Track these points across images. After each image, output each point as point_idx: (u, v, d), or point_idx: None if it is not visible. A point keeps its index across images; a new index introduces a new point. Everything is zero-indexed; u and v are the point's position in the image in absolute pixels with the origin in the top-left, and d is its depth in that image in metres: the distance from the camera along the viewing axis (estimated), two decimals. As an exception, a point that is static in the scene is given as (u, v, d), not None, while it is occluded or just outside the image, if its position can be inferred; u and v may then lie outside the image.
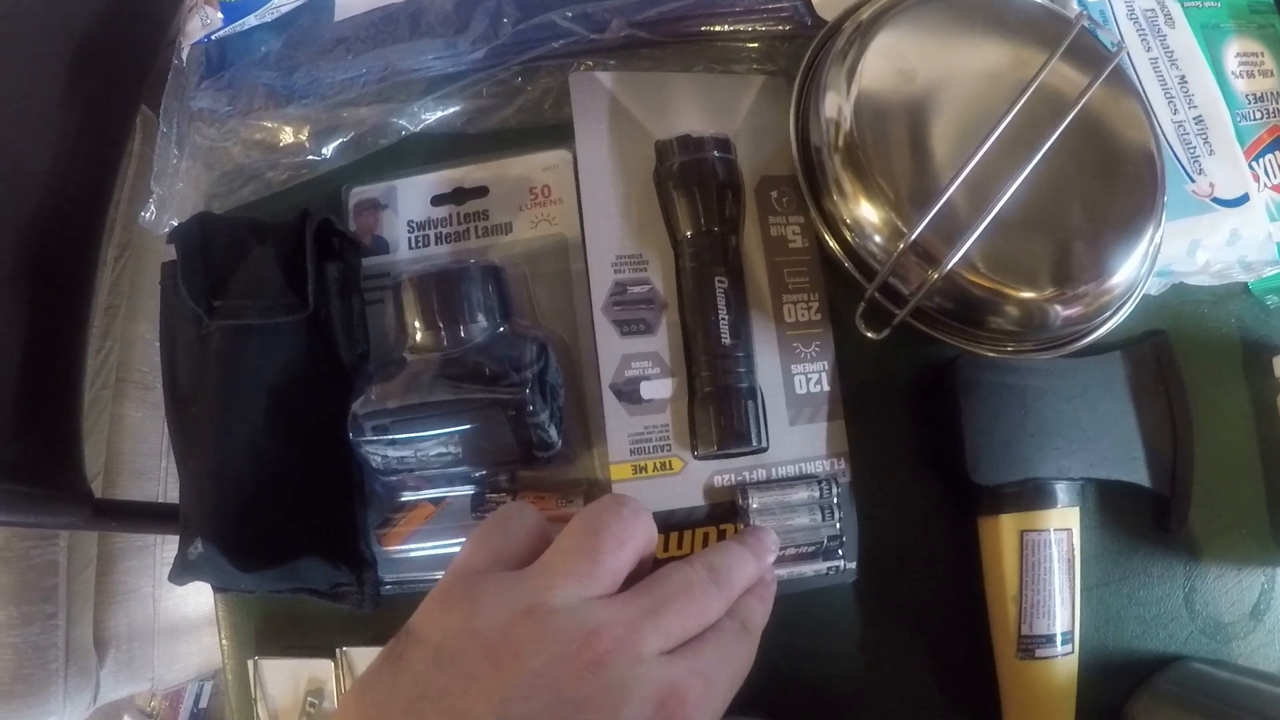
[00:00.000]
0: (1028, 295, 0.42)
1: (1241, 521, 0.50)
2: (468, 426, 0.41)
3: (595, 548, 0.32)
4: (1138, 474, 0.47)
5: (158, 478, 0.82)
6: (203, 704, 1.22)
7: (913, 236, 0.40)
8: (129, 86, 0.66)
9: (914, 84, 0.44)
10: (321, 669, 0.49)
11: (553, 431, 0.42)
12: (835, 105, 0.44)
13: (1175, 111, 0.51)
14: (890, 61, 0.44)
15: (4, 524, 0.56)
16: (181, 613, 0.81)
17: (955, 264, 0.40)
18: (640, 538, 0.33)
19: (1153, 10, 0.53)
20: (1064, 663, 0.45)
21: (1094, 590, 0.48)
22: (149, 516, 0.60)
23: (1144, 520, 0.49)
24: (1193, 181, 0.50)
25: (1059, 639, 0.45)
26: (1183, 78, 0.52)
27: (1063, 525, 0.45)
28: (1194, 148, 0.51)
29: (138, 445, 0.81)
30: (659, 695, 0.30)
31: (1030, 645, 0.45)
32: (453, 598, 0.32)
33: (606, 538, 0.32)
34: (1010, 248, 0.42)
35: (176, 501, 0.46)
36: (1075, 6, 0.51)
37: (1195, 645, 0.49)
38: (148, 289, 0.81)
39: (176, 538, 0.46)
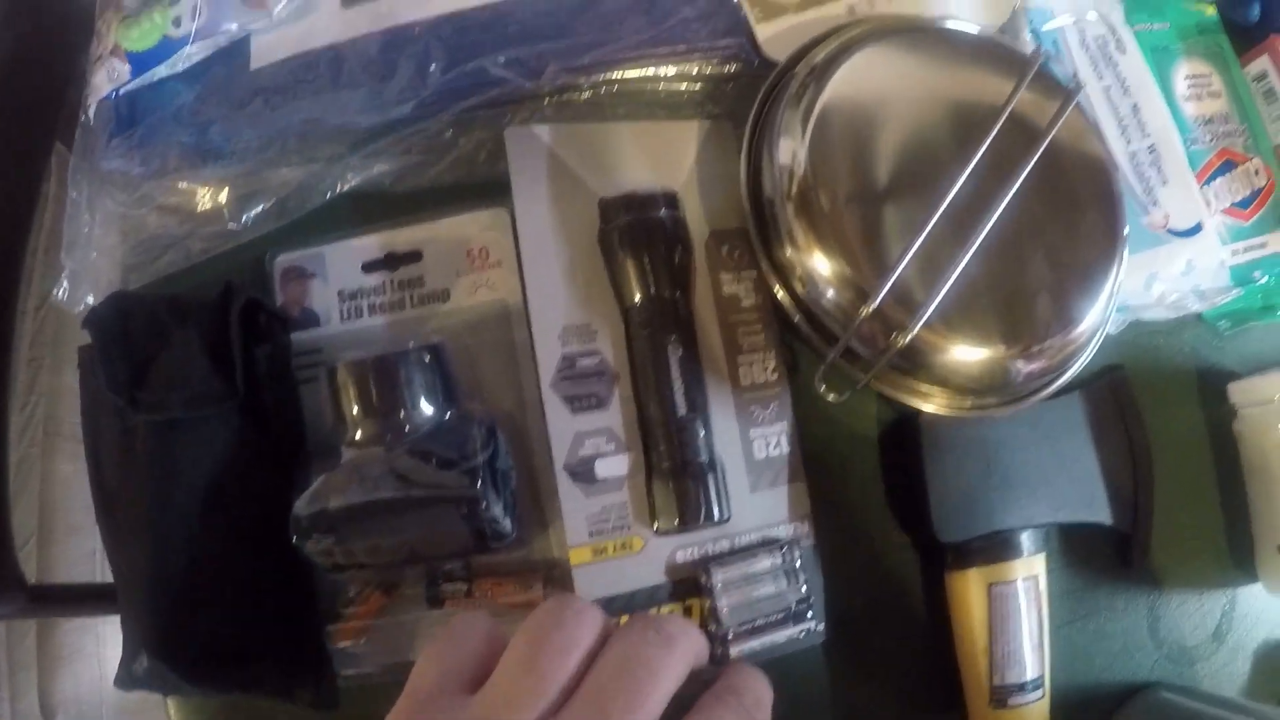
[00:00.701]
0: (991, 354, 0.40)
1: (1201, 547, 0.49)
2: (417, 526, 0.38)
3: (538, 664, 0.29)
4: (1100, 513, 0.46)
5: (93, 532, 0.77)
6: None
7: (875, 304, 0.38)
8: (38, 130, 0.61)
9: (871, 129, 0.41)
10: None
11: (507, 522, 0.39)
12: (789, 151, 0.41)
13: (1129, 142, 0.49)
14: (846, 105, 0.41)
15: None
16: (130, 670, 0.76)
17: (919, 327, 0.38)
18: (587, 639, 0.30)
19: (1104, 37, 0.51)
20: (1036, 708, 0.44)
21: (1061, 629, 0.47)
22: (88, 599, 0.56)
23: (1107, 556, 0.48)
24: (1147, 214, 0.49)
25: (1030, 685, 0.43)
26: (1135, 106, 0.50)
27: (1029, 574, 0.44)
28: (1148, 179, 0.49)
29: (71, 499, 0.76)
30: None
31: (1003, 695, 0.43)
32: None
33: (549, 650, 0.29)
34: (972, 306, 0.39)
35: (101, 538, 0.43)
36: (1029, 39, 0.49)
37: (1161, 671, 0.48)
38: (73, 336, 0.76)
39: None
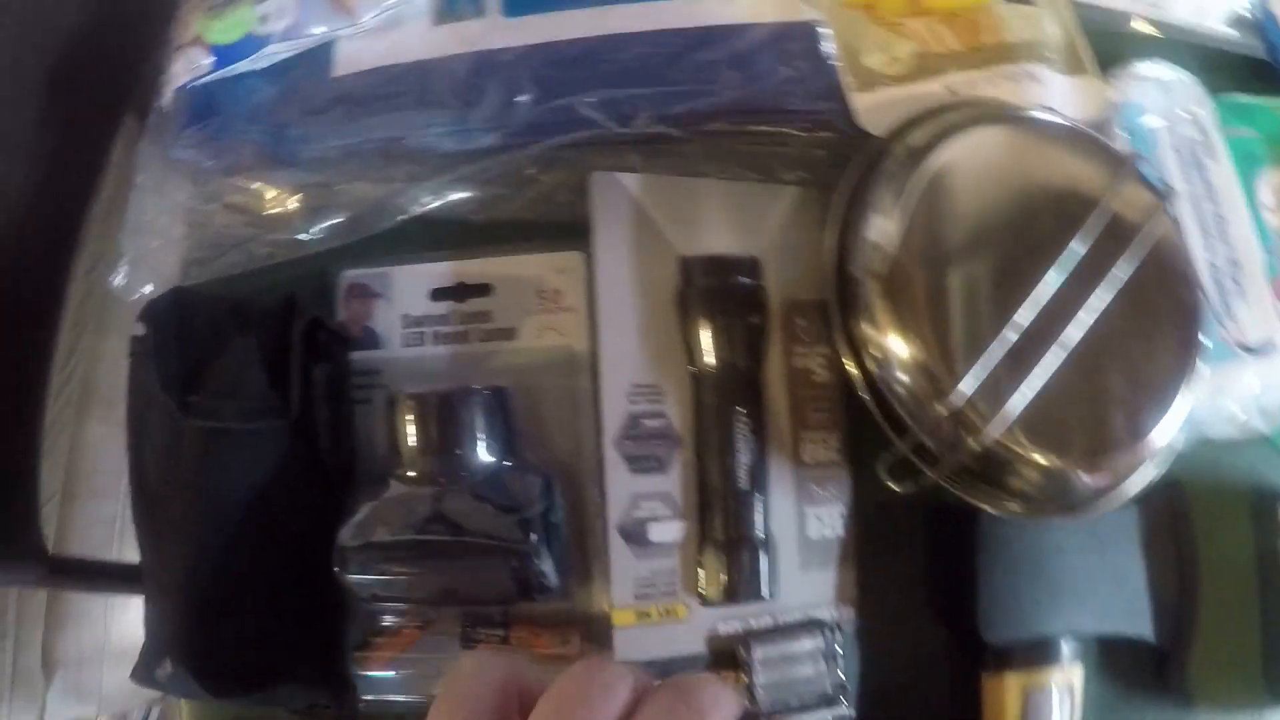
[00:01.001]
0: (1061, 464, 0.38)
1: (1239, 671, 0.47)
2: (463, 569, 0.37)
3: None
4: (1144, 628, 0.44)
5: (116, 497, 0.76)
6: None
7: (954, 402, 0.36)
8: (107, 111, 0.59)
9: (964, 215, 0.40)
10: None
11: (553, 578, 0.37)
12: (881, 228, 0.39)
13: (1211, 252, 0.48)
14: (942, 189, 0.40)
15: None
16: (133, 638, 0.75)
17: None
18: (612, 712, 0.28)
19: (1194, 140, 0.49)
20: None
21: (1089, 738, 0.45)
22: (105, 576, 0.55)
23: (1143, 671, 0.46)
24: (1222, 328, 0.47)
25: (1055, 794, 0.42)
26: (1219, 215, 0.48)
27: (1066, 682, 0.42)
28: (1226, 291, 0.47)
29: (98, 463, 0.75)
30: None
31: (1027, 801, 0.42)
32: None
33: None
34: (1046, 414, 0.38)
35: (136, 535, 0.41)
36: (1121, 135, 0.47)
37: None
38: (120, 304, 0.74)
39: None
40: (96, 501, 0.75)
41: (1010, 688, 0.42)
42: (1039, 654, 0.42)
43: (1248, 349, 0.47)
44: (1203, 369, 0.41)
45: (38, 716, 0.74)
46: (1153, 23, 0.52)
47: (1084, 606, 0.43)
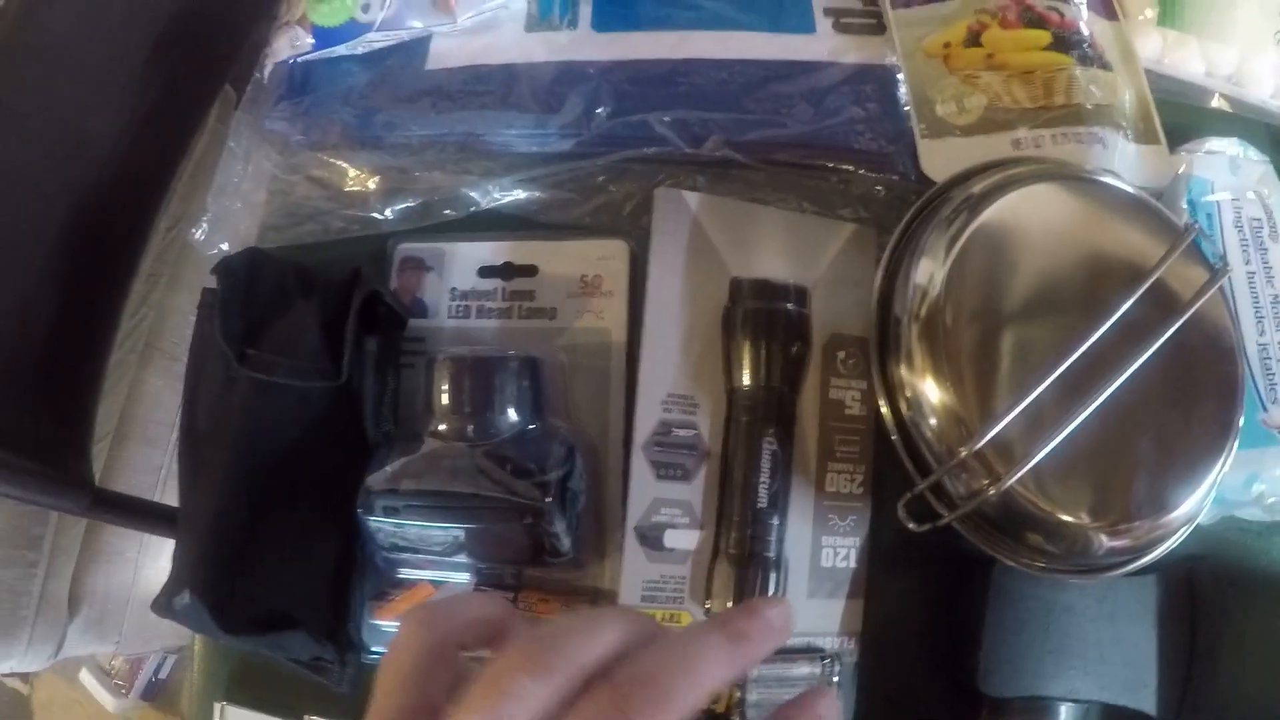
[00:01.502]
0: (1079, 522, 0.39)
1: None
2: (481, 524, 0.38)
3: (550, 649, 0.24)
4: (1146, 702, 0.44)
5: (165, 447, 0.79)
6: (162, 675, 1.20)
7: (976, 446, 0.37)
8: (210, 72, 0.63)
9: (1013, 269, 0.40)
10: (286, 729, 0.46)
11: (566, 541, 0.39)
12: (928, 273, 0.40)
13: (1262, 334, 0.48)
14: (993, 241, 0.40)
15: (-1, 495, 0.54)
16: (160, 584, 0.78)
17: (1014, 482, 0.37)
18: (595, 651, 0.25)
19: (1259, 220, 0.49)
20: None
21: (1078, 809, 0.45)
22: (146, 515, 0.57)
23: (1143, 745, 0.46)
24: (1265, 411, 0.47)
25: None
26: (1276, 297, 0.49)
27: (1062, 746, 0.43)
28: (1274, 375, 0.47)
29: (152, 413, 0.78)
30: None
31: None
32: None
33: (568, 637, 0.24)
34: (1071, 471, 0.38)
35: (178, 471, 0.44)
36: (1184, 211, 0.48)
37: None
38: (194, 261, 0.78)
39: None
40: (146, 449, 0.78)
41: (1005, 743, 0.42)
42: (1037, 714, 0.42)
43: (1290, 438, 0.47)
44: (1236, 447, 0.42)
45: (57, 646, 0.77)
46: (1232, 100, 0.53)
47: (1088, 673, 0.43)
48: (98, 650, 0.83)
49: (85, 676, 1.17)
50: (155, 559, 0.80)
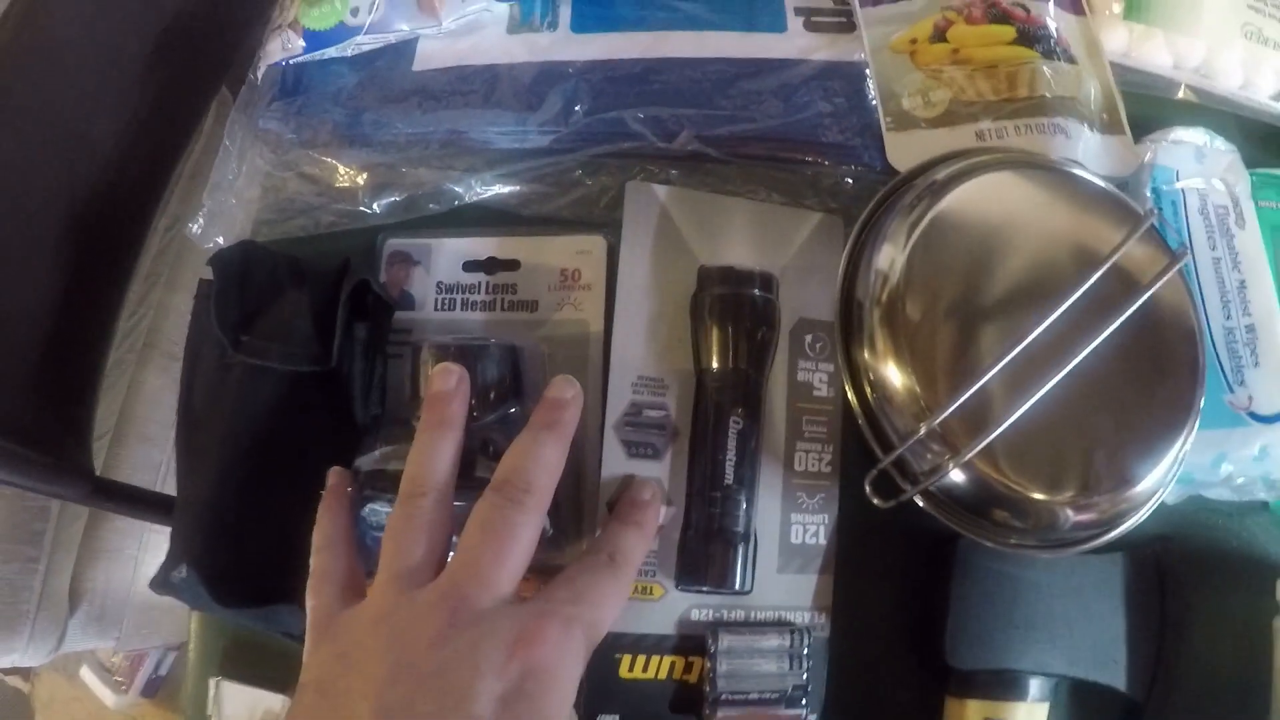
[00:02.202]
0: (1042, 497, 0.41)
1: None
2: (464, 503, 0.42)
3: (393, 549, 0.38)
4: (1115, 678, 0.47)
5: (164, 446, 0.83)
6: (162, 671, 1.24)
7: (934, 423, 0.40)
8: (207, 75, 0.67)
9: (972, 253, 0.43)
10: (279, 704, 0.49)
11: (547, 521, 0.42)
12: (889, 258, 0.43)
13: (1228, 317, 0.51)
14: (954, 226, 0.43)
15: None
16: (161, 581, 0.82)
17: (973, 455, 0.40)
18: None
19: (1225, 208, 0.52)
20: None
21: (1050, 783, 0.48)
22: (145, 504, 0.61)
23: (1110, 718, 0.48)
24: (1231, 392, 0.50)
25: (1008, 831, 0.45)
26: (1243, 282, 0.51)
27: (1029, 718, 0.45)
28: (1239, 357, 0.50)
29: (151, 412, 0.82)
30: (508, 643, 0.33)
31: (979, 830, 0.45)
32: (316, 639, 0.38)
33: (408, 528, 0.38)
34: (1032, 447, 0.41)
35: (175, 453, 0.48)
36: (1148, 198, 0.50)
37: None
38: (191, 262, 0.83)
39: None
40: (145, 447, 0.82)
41: (971, 714, 0.45)
42: (1005, 686, 0.45)
43: (1257, 416, 0.50)
44: (1194, 425, 0.44)
45: (58, 641, 0.80)
46: (1199, 92, 0.56)
47: (1056, 647, 0.46)
48: (98, 645, 0.86)
49: (86, 674, 1.21)
50: (155, 556, 0.83)
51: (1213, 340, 0.50)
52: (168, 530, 0.48)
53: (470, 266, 0.49)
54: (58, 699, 1.25)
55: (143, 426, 0.82)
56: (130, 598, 0.84)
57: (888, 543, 0.47)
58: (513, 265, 0.49)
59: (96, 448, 0.70)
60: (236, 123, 0.54)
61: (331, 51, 0.54)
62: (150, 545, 0.84)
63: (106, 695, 1.21)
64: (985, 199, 0.44)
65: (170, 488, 0.79)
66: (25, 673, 1.25)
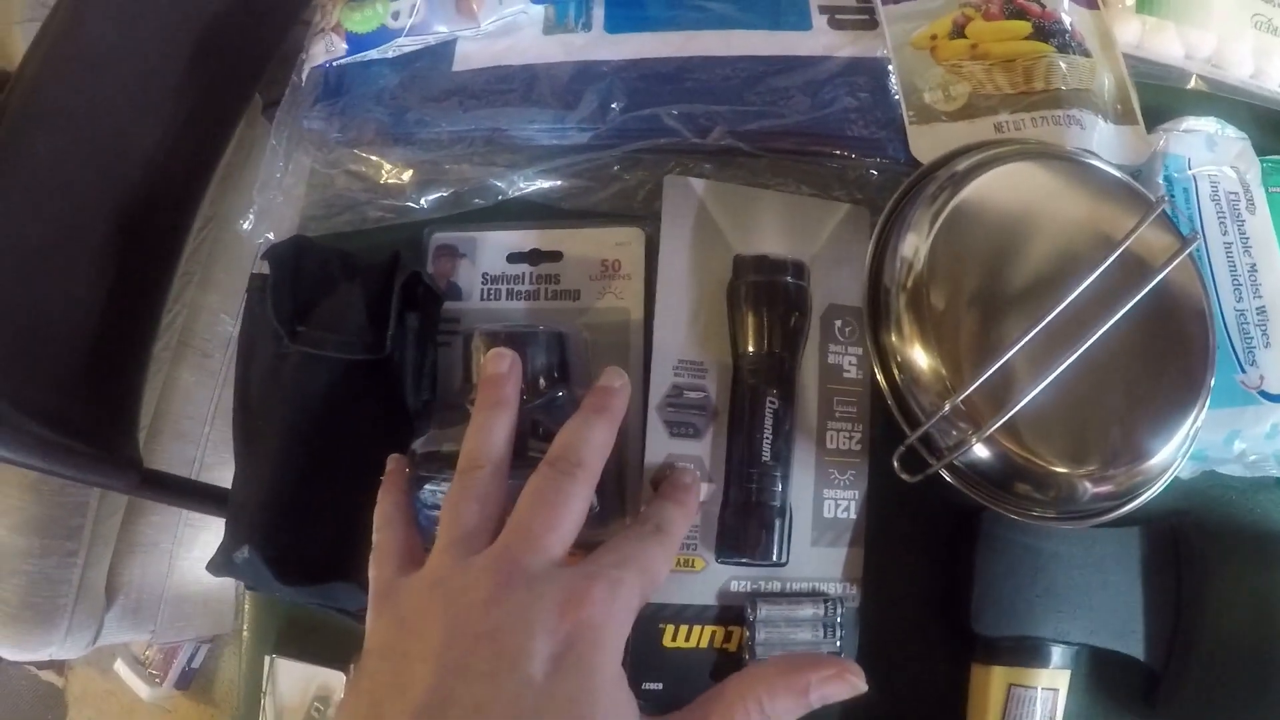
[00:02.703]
0: (1061, 470, 0.45)
1: (1227, 702, 0.53)
2: (515, 481, 0.45)
3: (451, 518, 0.41)
4: (1134, 648, 0.50)
5: (198, 442, 0.87)
6: (195, 664, 1.28)
7: (957, 400, 0.44)
8: (244, 81, 0.71)
9: (992, 241, 0.47)
10: (333, 679, 0.53)
11: (594, 497, 0.46)
12: (913, 246, 0.47)
13: (1240, 299, 0.54)
14: (974, 214, 0.47)
15: (52, 474, 0.61)
16: (194, 575, 0.86)
17: (995, 430, 0.44)
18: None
19: (1236, 194, 0.56)
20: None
21: (1072, 751, 0.51)
22: (192, 495, 0.65)
23: (1132, 692, 0.52)
24: (1243, 372, 0.53)
25: (1030, 792, 0.48)
26: (1254, 266, 0.55)
27: (1051, 685, 0.49)
28: (1251, 338, 0.54)
29: (185, 408, 0.86)
30: (559, 603, 0.36)
31: (1004, 793, 0.48)
32: (379, 607, 0.40)
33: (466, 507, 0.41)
34: (1051, 423, 0.45)
35: (211, 467, 0.51)
36: (1160, 185, 0.54)
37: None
38: (223, 261, 0.86)
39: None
40: (179, 443, 0.86)
41: (996, 680, 0.48)
42: (1028, 653, 0.49)
43: (1269, 395, 0.53)
44: (1205, 402, 0.48)
45: (95, 633, 0.84)
46: (1210, 82, 0.59)
47: (1076, 617, 0.49)
48: (133, 639, 0.90)
49: (120, 667, 1.25)
50: (189, 549, 0.87)
51: (1225, 322, 0.53)
52: (202, 525, 0.51)
53: (514, 258, 0.53)
54: (91, 693, 1.29)
55: (177, 423, 0.86)
56: (166, 591, 0.88)
57: (915, 516, 0.51)
58: (555, 256, 0.53)
59: (132, 443, 0.74)
60: (283, 122, 0.58)
61: (373, 53, 0.58)
62: (185, 540, 0.88)
63: (141, 688, 1.24)
64: (1004, 189, 0.48)
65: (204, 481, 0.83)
66: (59, 667, 1.29)
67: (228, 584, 0.80)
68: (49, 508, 0.80)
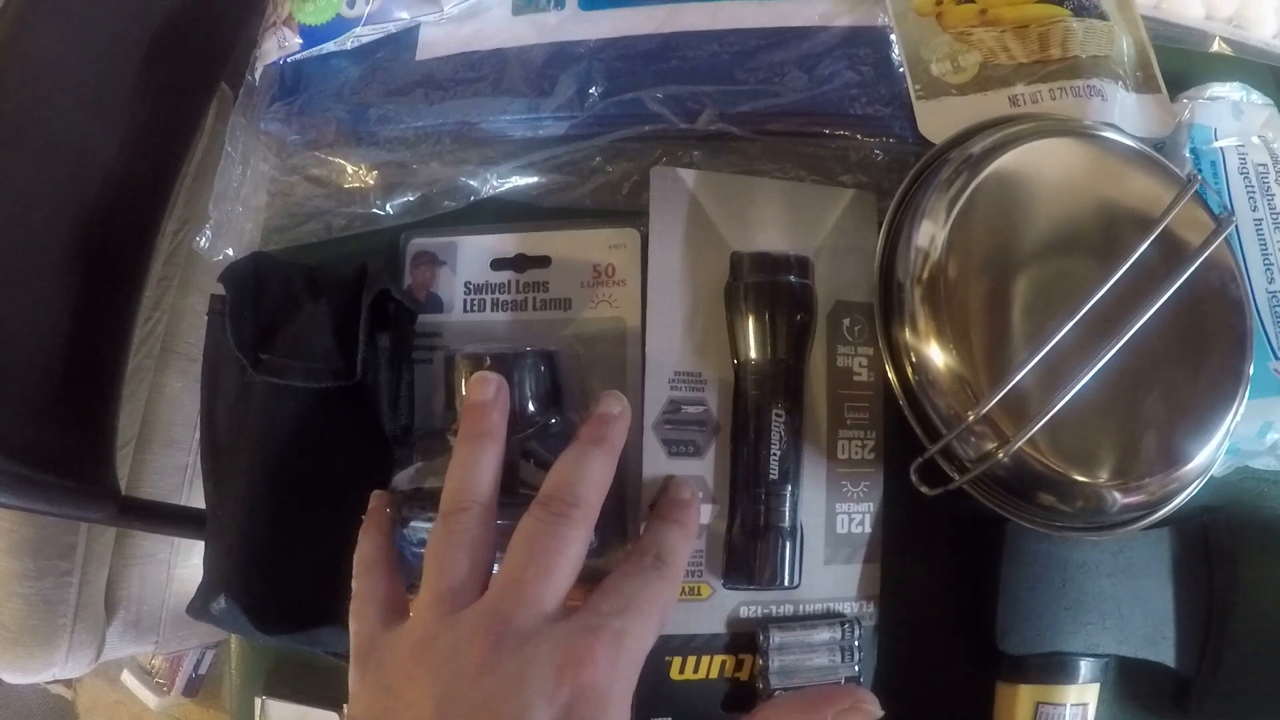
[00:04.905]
0: (1089, 481, 0.39)
1: (1263, 707, 0.47)
2: (505, 519, 0.39)
3: (436, 568, 0.35)
4: (1165, 654, 0.45)
5: (188, 448, 0.81)
6: (202, 670, 1.24)
7: (983, 411, 0.37)
8: (206, 77, 0.64)
9: (1014, 228, 0.40)
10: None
11: (594, 536, 0.40)
12: (929, 235, 0.40)
13: (1271, 281, 0.48)
14: (994, 200, 0.40)
15: (26, 510, 0.55)
16: (195, 582, 0.80)
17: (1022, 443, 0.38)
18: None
19: (1265, 165, 0.49)
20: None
21: (1101, 761, 0.46)
22: (174, 520, 0.59)
23: (1161, 699, 0.46)
24: (1276, 359, 0.47)
25: (1062, 809, 0.43)
26: (1286, 243, 0.48)
27: (1080, 701, 0.43)
28: (1285, 322, 0.47)
29: (173, 415, 0.80)
30: (556, 665, 0.31)
31: (1033, 814, 0.43)
32: (362, 666, 0.35)
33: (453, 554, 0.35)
34: (1079, 430, 0.39)
35: (202, 479, 0.45)
36: (1187, 160, 0.47)
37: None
38: (203, 263, 0.79)
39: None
40: (170, 451, 0.80)
41: (1023, 699, 0.43)
42: (1056, 670, 0.43)
43: (1303, 383, 0.47)
44: (1244, 396, 0.42)
45: (97, 650, 0.79)
46: (1233, 43, 0.52)
47: (1106, 628, 0.44)
48: (137, 651, 0.85)
49: (127, 677, 1.21)
50: (187, 558, 0.82)
51: (1256, 306, 0.47)
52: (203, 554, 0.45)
53: (499, 264, 0.46)
54: (100, 703, 1.25)
55: (166, 431, 0.79)
56: (166, 600, 0.82)
57: (933, 528, 0.45)
58: (543, 262, 0.46)
59: (120, 457, 0.68)
60: (237, 127, 0.51)
61: (330, 46, 0.50)
62: (182, 548, 0.82)
63: (149, 697, 1.21)
64: (1025, 171, 0.41)
65: (197, 491, 0.77)
66: (68, 680, 1.25)
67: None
68: (40, 528, 0.74)
